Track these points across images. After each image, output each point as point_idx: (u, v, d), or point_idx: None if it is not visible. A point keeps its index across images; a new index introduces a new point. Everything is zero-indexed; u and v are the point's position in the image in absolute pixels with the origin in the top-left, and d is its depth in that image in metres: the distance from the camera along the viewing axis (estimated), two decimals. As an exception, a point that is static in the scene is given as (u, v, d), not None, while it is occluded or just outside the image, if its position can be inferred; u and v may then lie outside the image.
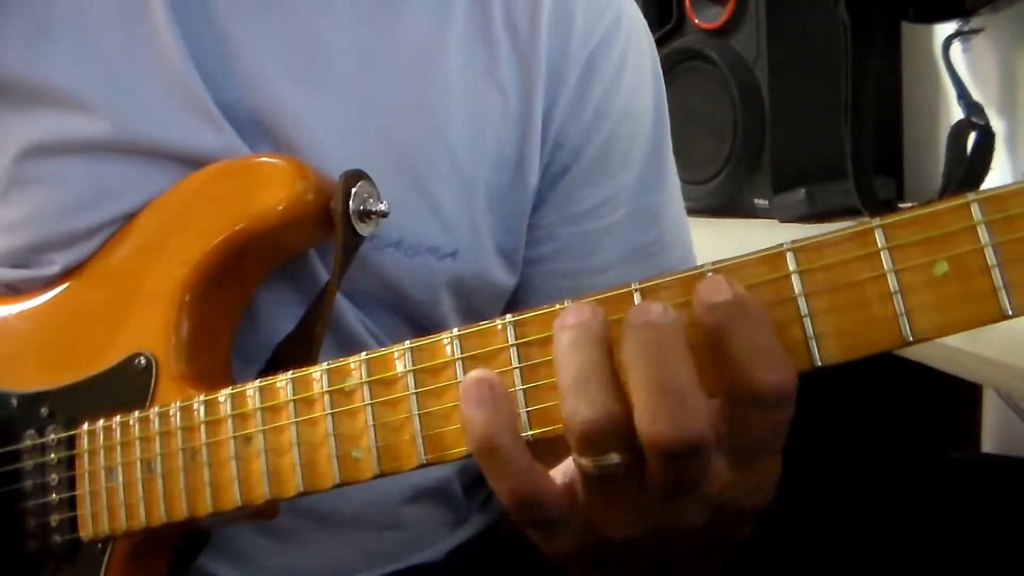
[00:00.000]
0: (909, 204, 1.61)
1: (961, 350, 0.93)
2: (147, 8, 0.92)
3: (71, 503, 0.87)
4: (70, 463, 0.88)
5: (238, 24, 0.93)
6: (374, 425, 0.73)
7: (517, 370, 0.69)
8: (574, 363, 0.63)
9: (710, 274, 0.63)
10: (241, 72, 0.92)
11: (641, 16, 1.07)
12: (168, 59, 0.91)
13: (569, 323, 0.64)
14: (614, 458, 0.63)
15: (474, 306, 0.98)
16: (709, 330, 0.61)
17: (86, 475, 0.87)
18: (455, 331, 0.71)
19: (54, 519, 0.88)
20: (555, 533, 0.68)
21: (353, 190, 0.86)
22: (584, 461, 0.63)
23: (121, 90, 0.91)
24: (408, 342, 0.72)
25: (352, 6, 0.95)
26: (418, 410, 0.71)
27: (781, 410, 0.62)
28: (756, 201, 1.72)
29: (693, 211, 1.12)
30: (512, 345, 0.69)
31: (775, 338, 0.61)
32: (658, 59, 1.08)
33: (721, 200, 1.76)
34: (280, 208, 0.86)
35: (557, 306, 0.68)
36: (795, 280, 0.62)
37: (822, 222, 1.58)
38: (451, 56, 0.97)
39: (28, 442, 0.90)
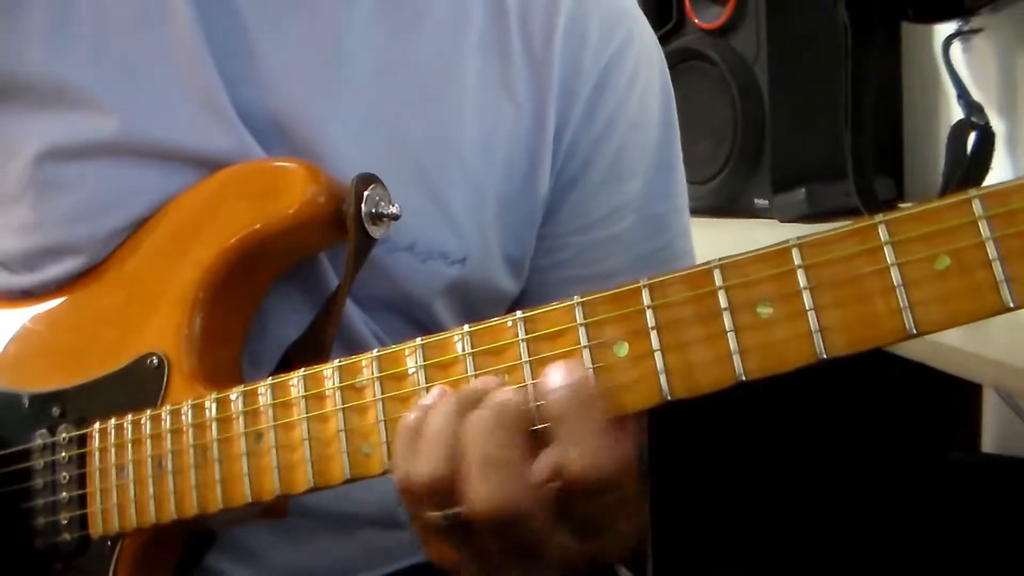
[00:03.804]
0: (909, 204, 1.61)
1: (961, 350, 0.93)
2: (170, 7, 0.92)
3: (81, 501, 0.88)
4: (81, 461, 0.88)
5: (261, 25, 0.94)
6: (384, 420, 0.74)
7: (527, 364, 0.70)
8: (428, 423, 0.71)
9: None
10: (261, 73, 0.93)
11: (651, 30, 1.09)
12: (189, 59, 0.92)
13: (435, 392, 0.72)
14: (455, 510, 0.69)
15: (478, 312, 0.99)
16: (547, 410, 0.68)
17: (96, 473, 0.87)
18: (466, 327, 0.72)
19: (64, 517, 0.89)
20: None
21: (365, 193, 0.87)
22: (429, 514, 0.70)
23: (138, 90, 0.92)
24: (419, 339, 0.73)
25: (373, 13, 0.96)
26: None
27: (607, 495, 0.68)
28: (756, 201, 1.72)
29: (693, 211, 1.12)
30: (522, 340, 0.70)
31: (603, 425, 0.67)
32: (668, 72, 1.09)
33: (721, 200, 1.76)
34: (292, 211, 0.87)
35: (567, 302, 0.69)
36: (800, 275, 0.63)
37: (822, 222, 1.58)
38: (466, 66, 0.98)
39: (39, 441, 0.91)
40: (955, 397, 1.75)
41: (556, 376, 0.69)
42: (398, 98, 0.96)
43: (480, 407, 0.69)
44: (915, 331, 0.61)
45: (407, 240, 0.93)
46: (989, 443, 1.81)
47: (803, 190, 1.62)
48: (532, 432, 0.69)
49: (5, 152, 0.94)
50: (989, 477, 1.58)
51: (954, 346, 0.93)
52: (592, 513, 0.69)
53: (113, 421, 0.87)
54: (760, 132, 1.71)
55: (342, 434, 0.75)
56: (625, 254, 1.03)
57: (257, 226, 0.87)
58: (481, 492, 0.67)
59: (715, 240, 1.58)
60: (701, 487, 1.59)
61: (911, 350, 1.00)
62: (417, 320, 0.98)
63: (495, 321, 0.72)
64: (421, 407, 0.72)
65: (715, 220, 1.75)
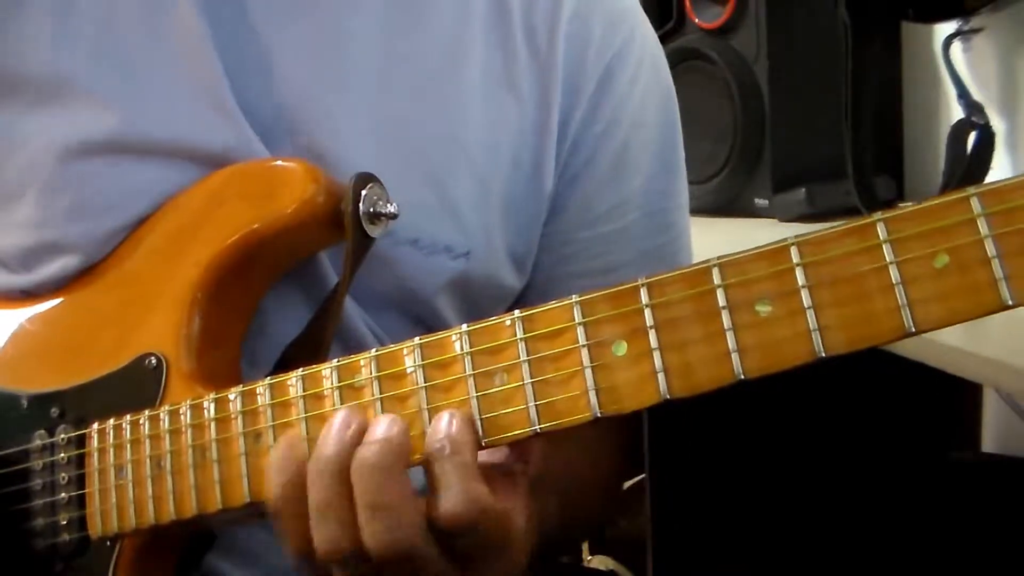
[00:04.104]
0: (909, 204, 1.61)
1: (961, 350, 0.93)
2: (175, 3, 0.93)
3: (80, 501, 0.88)
4: (80, 461, 0.88)
5: (267, 21, 0.94)
6: None
7: (526, 363, 0.70)
8: (315, 493, 0.73)
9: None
10: (265, 68, 0.94)
11: (652, 29, 1.10)
12: (193, 54, 0.92)
13: (325, 454, 0.73)
14: (361, 568, 0.72)
15: (480, 308, 0.99)
16: (426, 451, 0.72)
17: (95, 473, 0.87)
18: (464, 327, 0.72)
19: (63, 518, 0.89)
20: None
21: (363, 192, 0.87)
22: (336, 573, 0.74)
23: (139, 86, 0.92)
24: (417, 338, 0.74)
25: (378, 9, 0.97)
26: (427, 404, 0.73)
27: (465, 538, 0.71)
28: (756, 201, 1.72)
29: (693, 211, 1.13)
30: (520, 339, 0.70)
31: (464, 476, 0.70)
32: (669, 71, 1.11)
33: (721, 200, 1.76)
34: (291, 210, 0.87)
35: (565, 301, 0.69)
36: (799, 273, 0.63)
37: (822, 222, 1.58)
38: (471, 62, 0.99)
39: (38, 442, 0.91)
40: (955, 397, 1.75)
41: (438, 421, 0.72)
42: (403, 93, 0.97)
43: (358, 456, 0.72)
44: (914, 329, 0.61)
45: (412, 234, 0.94)
46: (989, 443, 1.81)
47: (803, 190, 1.61)
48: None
49: (8, 149, 0.94)
50: (989, 477, 1.58)
51: (954, 346, 0.93)
52: (465, 547, 0.72)
53: (112, 422, 0.87)
54: (760, 132, 1.71)
55: None
56: (630, 249, 1.04)
57: (255, 226, 0.88)
58: (374, 536, 0.71)
59: (715, 240, 1.58)
60: (701, 487, 1.59)
61: (911, 349, 1.00)
62: (418, 317, 0.98)
63: (493, 320, 0.72)
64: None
65: (715, 220, 1.75)
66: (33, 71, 0.93)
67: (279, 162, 0.90)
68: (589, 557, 1.96)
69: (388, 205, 0.88)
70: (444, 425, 0.71)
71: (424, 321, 0.98)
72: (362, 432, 0.73)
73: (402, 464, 0.71)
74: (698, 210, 1.71)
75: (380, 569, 0.72)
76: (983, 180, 1.40)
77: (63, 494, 0.89)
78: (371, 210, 0.87)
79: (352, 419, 0.74)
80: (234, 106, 0.92)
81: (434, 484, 0.71)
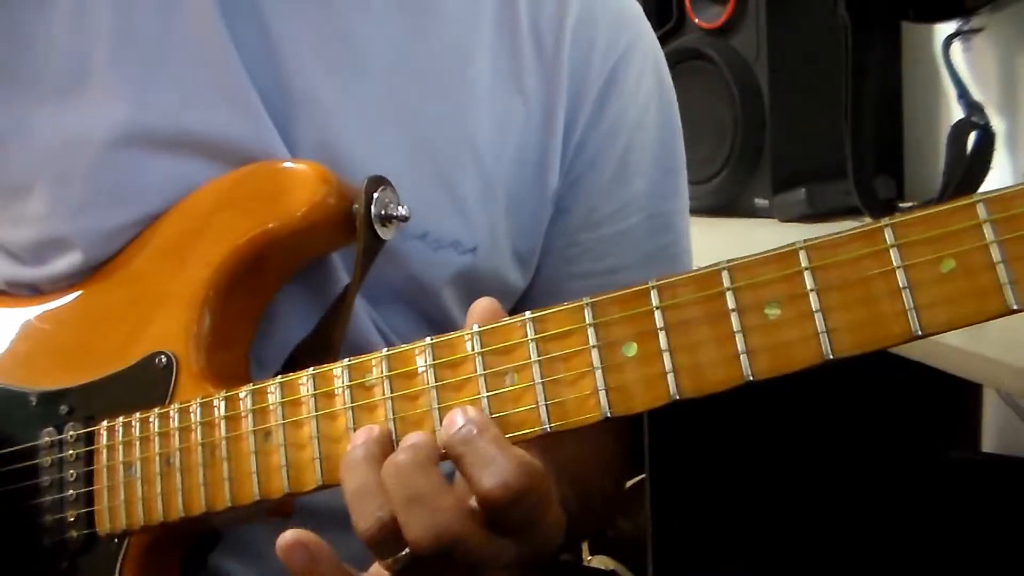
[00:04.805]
0: (909, 204, 1.62)
1: (961, 350, 0.93)
2: None
3: (88, 498, 0.88)
4: (88, 459, 0.89)
5: (280, 16, 0.95)
6: (394, 419, 0.74)
7: (536, 364, 0.71)
8: (349, 480, 0.72)
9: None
10: (278, 63, 0.94)
11: (653, 33, 1.11)
12: (209, 48, 0.93)
13: (358, 442, 0.73)
14: (402, 553, 0.71)
15: None
16: (453, 445, 0.70)
17: (104, 470, 0.87)
18: (475, 327, 0.73)
19: (71, 514, 0.89)
20: None
21: (375, 195, 0.88)
22: (384, 565, 0.72)
23: (155, 78, 0.93)
24: (429, 338, 0.74)
25: (389, 7, 0.98)
26: (438, 404, 0.73)
27: (517, 507, 0.70)
28: (756, 201, 1.73)
29: (693, 211, 1.14)
30: (531, 340, 0.71)
31: (502, 447, 0.69)
32: (669, 73, 1.12)
33: (721, 200, 1.77)
34: (302, 212, 0.87)
35: (576, 303, 0.70)
36: (807, 276, 0.64)
37: (822, 222, 1.60)
38: (479, 61, 1.00)
39: (46, 439, 0.91)
40: (955, 397, 1.76)
41: (452, 415, 0.71)
42: (413, 90, 0.98)
43: (388, 461, 0.71)
44: (920, 332, 0.61)
45: (420, 229, 0.95)
46: (989, 443, 1.82)
47: (803, 190, 1.62)
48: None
49: (20, 142, 0.94)
50: (989, 477, 1.58)
51: (954, 346, 0.93)
52: (519, 516, 0.71)
53: (121, 419, 0.87)
54: (760, 132, 1.72)
55: (351, 432, 0.75)
56: (633, 250, 1.06)
57: (268, 226, 0.88)
58: (416, 529, 0.69)
59: (715, 240, 1.59)
60: (701, 487, 1.59)
61: (911, 350, 1.01)
62: (424, 311, 0.99)
63: (505, 321, 0.72)
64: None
65: (715, 220, 1.76)
66: (50, 64, 0.94)
67: (290, 164, 0.91)
68: (589, 557, 1.96)
69: (399, 208, 0.89)
70: (460, 415, 0.71)
71: (428, 315, 0.99)
72: (387, 435, 0.73)
73: (431, 461, 0.70)
74: (698, 210, 1.72)
75: (429, 564, 0.71)
76: (983, 180, 1.41)
77: (71, 491, 0.89)
78: (383, 212, 0.88)
79: (373, 427, 0.74)
80: (256, 100, 0.92)
81: (474, 463, 0.69)
